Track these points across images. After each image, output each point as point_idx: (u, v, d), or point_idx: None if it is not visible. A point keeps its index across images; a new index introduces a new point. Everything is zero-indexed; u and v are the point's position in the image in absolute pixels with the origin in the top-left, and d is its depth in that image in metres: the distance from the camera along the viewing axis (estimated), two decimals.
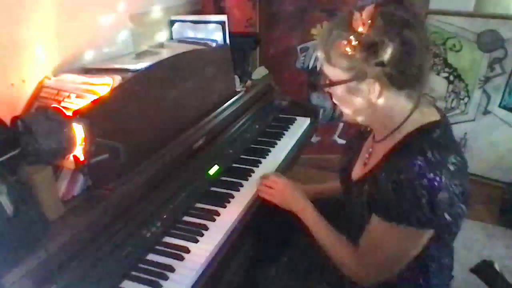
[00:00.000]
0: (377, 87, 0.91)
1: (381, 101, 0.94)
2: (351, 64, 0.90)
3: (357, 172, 1.11)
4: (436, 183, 0.86)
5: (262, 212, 1.29)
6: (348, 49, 0.88)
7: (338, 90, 0.97)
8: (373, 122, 1.04)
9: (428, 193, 0.86)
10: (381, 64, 0.87)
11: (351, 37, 0.87)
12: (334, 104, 1.03)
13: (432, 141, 0.92)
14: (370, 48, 0.87)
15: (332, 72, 0.95)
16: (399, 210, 0.89)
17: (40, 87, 1.23)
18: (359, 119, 1.01)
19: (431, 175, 0.86)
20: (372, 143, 1.09)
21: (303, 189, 1.28)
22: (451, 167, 0.89)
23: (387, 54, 0.86)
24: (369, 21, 0.86)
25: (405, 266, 0.99)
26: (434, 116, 0.98)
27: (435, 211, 0.87)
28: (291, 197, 1.22)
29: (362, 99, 0.95)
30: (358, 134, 1.21)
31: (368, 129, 1.15)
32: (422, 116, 0.97)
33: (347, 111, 1.01)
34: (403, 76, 0.89)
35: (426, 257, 1.01)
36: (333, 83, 0.96)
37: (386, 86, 0.91)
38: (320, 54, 0.96)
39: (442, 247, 1.03)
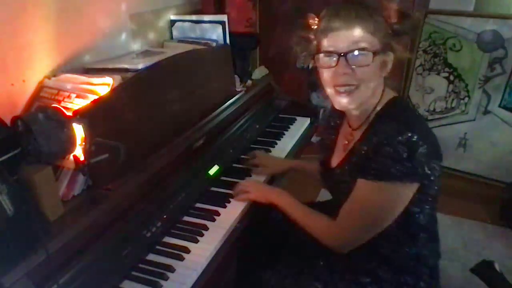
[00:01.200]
0: (391, 60, 1.00)
1: (386, 76, 1.03)
2: (387, 34, 0.98)
3: (336, 160, 1.17)
4: (414, 139, 0.92)
5: (262, 212, 1.29)
6: (388, 18, 0.97)
7: (375, 63, 0.97)
8: (366, 103, 1.05)
9: (408, 148, 0.92)
10: (408, 31, 0.99)
11: (388, 7, 0.97)
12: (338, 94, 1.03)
13: (400, 109, 1.05)
14: (402, 18, 0.97)
15: (372, 42, 0.96)
16: (381, 167, 0.95)
17: (40, 87, 1.23)
18: (370, 99, 1.04)
19: (408, 133, 0.93)
20: (350, 131, 1.13)
21: (279, 161, 1.48)
22: (422, 126, 0.99)
23: (411, 22, 0.99)
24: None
25: (392, 235, 1.03)
26: (393, 94, 1.08)
27: (414, 164, 0.93)
28: (265, 188, 1.30)
29: (382, 73, 1.01)
30: (329, 129, 1.27)
31: (338, 121, 1.22)
32: (387, 94, 1.06)
33: (369, 88, 1.01)
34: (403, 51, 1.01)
35: (415, 226, 1.05)
36: (377, 52, 0.97)
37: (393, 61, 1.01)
38: (358, 21, 0.96)
39: (427, 214, 1.06)
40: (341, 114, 1.19)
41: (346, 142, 1.14)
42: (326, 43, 1.00)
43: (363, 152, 1.00)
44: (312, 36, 1.07)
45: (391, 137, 0.93)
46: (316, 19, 1.06)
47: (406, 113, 1.04)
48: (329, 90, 1.04)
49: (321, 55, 1.01)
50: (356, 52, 0.96)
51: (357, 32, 0.95)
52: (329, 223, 1.09)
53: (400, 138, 0.92)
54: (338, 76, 0.99)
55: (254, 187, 1.29)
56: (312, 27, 1.07)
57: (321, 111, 2.66)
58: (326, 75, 1.02)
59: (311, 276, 1.11)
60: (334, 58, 0.98)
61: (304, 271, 1.14)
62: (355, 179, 1.01)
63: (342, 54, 0.96)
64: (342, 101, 1.02)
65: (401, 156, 0.92)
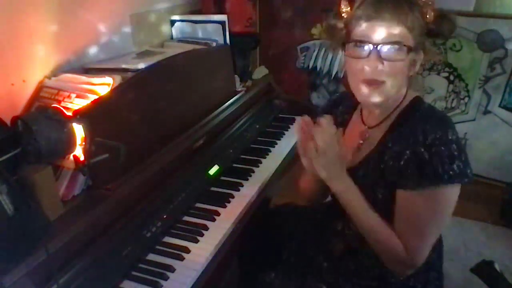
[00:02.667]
0: (420, 60, 0.97)
1: (412, 74, 0.99)
2: (422, 31, 0.94)
3: (349, 158, 1.06)
4: (457, 136, 0.92)
5: (262, 212, 1.29)
6: (428, 14, 0.94)
7: (407, 59, 0.93)
8: (389, 100, 0.99)
9: (457, 145, 0.90)
10: (444, 33, 0.96)
11: (426, 6, 0.93)
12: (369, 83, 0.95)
13: (429, 108, 1.01)
14: (440, 18, 0.95)
15: (407, 37, 0.92)
16: (437, 170, 0.90)
17: (40, 87, 1.23)
18: (395, 96, 1.00)
19: (451, 131, 0.91)
20: (365, 129, 1.08)
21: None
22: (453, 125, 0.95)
23: (449, 24, 0.96)
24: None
25: None
26: (415, 93, 1.05)
27: (465, 162, 0.91)
28: (339, 173, 0.99)
29: (410, 71, 0.97)
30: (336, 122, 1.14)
31: (346, 117, 1.16)
32: (410, 93, 1.03)
33: (396, 85, 0.95)
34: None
35: None
36: (411, 48, 0.93)
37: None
38: (395, 15, 0.90)
39: None
40: (350, 110, 1.15)
41: (361, 141, 1.08)
42: (359, 32, 0.94)
43: (408, 158, 0.93)
44: (340, 25, 1.02)
45: (442, 136, 0.90)
46: (349, 6, 0.99)
47: (438, 113, 1.00)
48: (354, 82, 0.98)
49: (352, 44, 0.95)
50: (391, 46, 0.91)
51: (395, 24, 0.90)
52: (402, 249, 0.96)
53: (449, 136, 0.90)
54: (367, 68, 0.93)
55: (327, 162, 0.97)
56: (343, 15, 1.01)
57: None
58: (354, 66, 0.96)
59: (316, 278, 1.11)
60: (366, 49, 0.92)
61: (309, 272, 1.14)
62: (394, 186, 0.96)
63: (375, 46, 0.91)
64: (366, 95, 0.96)
65: (454, 156, 0.90)
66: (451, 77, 2.44)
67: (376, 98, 0.96)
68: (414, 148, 0.92)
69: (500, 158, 2.39)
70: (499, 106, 2.35)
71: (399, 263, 0.99)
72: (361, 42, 0.93)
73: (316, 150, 0.96)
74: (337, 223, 1.15)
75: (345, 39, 0.98)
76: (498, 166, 2.40)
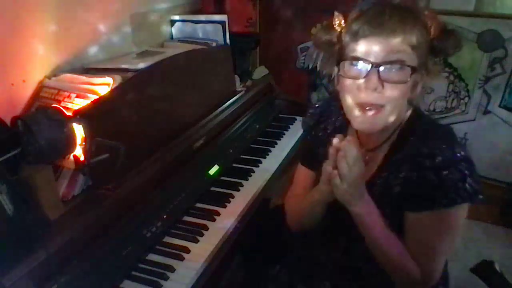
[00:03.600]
0: (422, 81, 0.87)
1: (412, 97, 0.89)
2: (425, 51, 0.84)
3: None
4: (465, 153, 0.85)
5: (262, 212, 1.29)
6: (432, 32, 0.84)
7: (410, 80, 0.83)
8: (390, 124, 0.90)
9: (466, 163, 0.84)
10: (449, 51, 0.86)
11: (433, 22, 0.83)
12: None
13: (429, 122, 0.95)
14: (445, 34, 0.85)
15: (411, 57, 0.82)
16: (448, 193, 0.84)
17: (40, 87, 1.23)
18: (395, 121, 0.89)
19: (460, 149, 0.85)
20: (364, 152, 0.96)
21: None
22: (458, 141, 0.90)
23: (455, 42, 0.86)
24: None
25: None
26: (410, 107, 0.95)
27: (476, 181, 0.85)
28: (362, 194, 0.90)
29: (411, 95, 0.87)
30: (316, 140, 1.09)
31: (329, 131, 1.07)
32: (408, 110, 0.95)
33: (397, 109, 0.86)
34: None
35: None
36: (415, 69, 0.83)
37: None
38: (402, 33, 0.80)
39: None
40: (344, 130, 1.03)
41: None
42: (355, 50, 0.83)
43: (413, 179, 0.87)
44: (334, 39, 0.91)
45: (450, 157, 0.83)
46: (343, 19, 0.89)
47: (439, 127, 0.94)
48: (348, 105, 0.88)
49: (347, 62, 0.85)
50: (393, 66, 0.81)
51: (398, 41, 0.80)
52: (416, 268, 0.91)
53: (458, 156, 0.84)
54: (364, 91, 0.83)
55: (349, 185, 0.86)
56: (336, 28, 0.91)
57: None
58: (349, 86, 0.85)
59: (320, 275, 1.10)
60: (364, 69, 0.82)
61: (313, 269, 1.13)
62: (401, 211, 0.91)
63: (374, 66, 0.81)
64: (361, 121, 0.87)
65: (466, 175, 0.84)
66: (451, 77, 2.44)
67: (373, 125, 0.87)
68: (423, 172, 0.85)
69: (500, 158, 2.39)
70: (499, 106, 2.34)
71: (412, 284, 0.95)
72: (358, 60, 0.83)
73: (340, 177, 0.86)
74: (339, 238, 1.07)
75: (339, 55, 0.88)
76: (498, 166, 2.40)
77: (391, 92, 0.82)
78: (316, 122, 1.12)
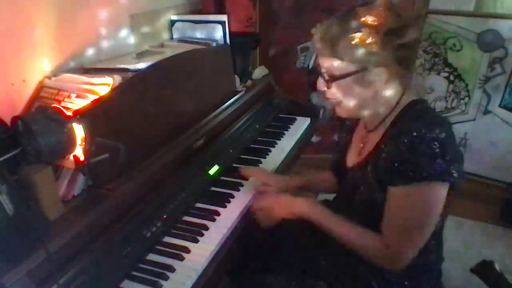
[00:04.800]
0: (384, 74, 0.97)
1: (384, 88, 1.00)
2: (361, 54, 0.94)
3: (352, 160, 1.15)
4: (443, 136, 0.92)
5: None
6: (360, 39, 0.93)
7: (345, 83, 0.99)
8: (371, 112, 1.05)
9: (440, 144, 0.91)
10: (402, 46, 0.94)
11: (363, 29, 0.93)
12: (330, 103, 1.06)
13: (421, 109, 1.02)
14: (389, 34, 0.93)
15: (339, 66, 0.98)
16: (417, 167, 0.92)
17: (40, 87, 1.23)
18: (360, 111, 1.05)
19: (437, 130, 0.92)
20: (365, 133, 1.12)
21: (287, 179, 1.35)
22: (447, 126, 0.97)
23: (407, 37, 0.94)
24: (385, 13, 0.94)
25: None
26: (413, 96, 1.06)
27: (447, 162, 0.92)
28: (290, 202, 1.15)
29: (367, 89, 0.99)
30: (346, 128, 1.25)
31: (353, 121, 1.21)
32: (407, 98, 1.05)
33: (350, 105, 1.03)
34: (407, 60, 0.98)
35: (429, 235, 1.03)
36: (342, 76, 0.98)
37: (392, 73, 0.97)
38: (322, 50, 0.99)
39: (440, 220, 1.05)
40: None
41: (362, 144, 1.12)
42: None
43: (392, 153, 0.96)
44: None
45: (423, 134, 0.92)
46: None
47: (429, 113, 1.03)
48: None
49: None
50: (323, 76, 1.02)
51: (321, 58, 1.01)
52: (380, 243, 1.01)
53: (431, 134, 0.92)
54: None
55: (278, 204, 1.15)
56: None
57: (321, 111, 2.66)
58: None
59: (315, 276, 1.11)
60: None
61: (308, 271, 1.14)
62: (384, 186, 0.98)
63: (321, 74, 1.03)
64: (336, 110, 1.08)
65: (435, 154, 0.91)
66: (451, 77, 2.44)
67: (342, 114, 1.07)
68: (399, 146, 0.95)
69: (500, 158, 2.39)
70: (499, 106, 2.34)
71: (381, 258, 1.02)
72: None
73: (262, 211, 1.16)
74: (332, 238, 1.12)
75: None
76: (498, 166, 2.40)
77: (332, 92, 1.03)
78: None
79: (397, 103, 1.03)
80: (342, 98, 1.03)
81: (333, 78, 1.00)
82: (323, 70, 1.02)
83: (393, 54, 0.95)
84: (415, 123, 0.95)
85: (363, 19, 0.94)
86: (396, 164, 0.95)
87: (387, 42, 0.93)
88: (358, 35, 0.93)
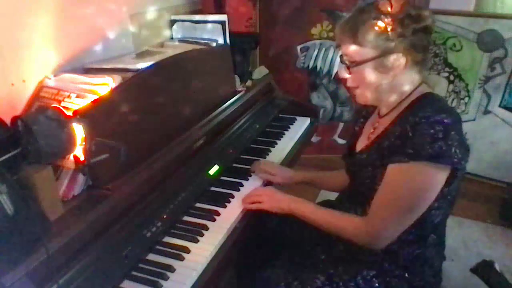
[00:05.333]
0: (402, 60, 1.02)
1: (401, 74, 1.04)
2: (381, 40, 1.00)
3: (361, 145, 1.18)
4: (448, 121, 0.95)
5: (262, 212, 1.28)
6: (379, 26, 0.99)
7: (365, 69, 1.04)
8: (387, 98, 1.09)
9: (444, 128, 0.94)
10: (419, 30, 1.00)
11: (382, 17, 0.99)
12: (348, 89, 1.11)
13: (433, 99, 1.05)
14: (407, 19, 0.99)
15: (360, 52, 1.03)
16: (416, 146, 0.95)
17: (40, 87, 1.23)
18: (378, 97, 1.09)
19: (443, 114, 0.96)
20: (377, 119, 1.16)
21: (293, 172, 1.42)
22: (455, 115, 1.00)
23: (424, 22, 1.00)
24: (403, 1, 1.00)
25: (405, 232, 1.03)
26: (428, 89, 1.09)
27: (449, 145, 0.94)
28: (279, 197, 1.22)
29: (386, 74, 1.04)
30: (362, 115, 1.27)
31: (370, 110, 1.23)
32: (422, 89, 1.07)
33: (368, 90, 1.08)
34: (424, 46, 1.03)
35: (429, 226, 1.06)
36: (363, 61, 1.03)
37: (409, 59, 1.02)
38: (344, 38, 1.05)
39: (443, 214, 1.07)
40: (374, 106, 1.22)
41: (372, 129, 1.16)
42: None
43: (397, 134, 1.01)
44: None
45: (427, 116, 0.95)
46: None
47: (440, 103, 1.06)
48: None
49: None
50: (343, 62, 1.08)
51: (343, 45, 1.06)
52: (361, 220, 1.07)
53: (436, 117, 0.95)
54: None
55: (267, 196, 1.23)
56: None
57: (321, 111, 2.66)
58: None
59: (314, 270, 1.12)
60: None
61: (306, 266, 1.14)
62: (385, 164, 1.01)
63: (342, 62, 1.09)
64: (354, 96, 1.13)
65: (437, 135, 0.93)
66: (451, 77, 2.44)
67: (360, 100, 1.12)
68: (404, 125, 0.99)
69: (500, 158, 2.39)
70: (499, 106, 2.35)
71: (360, 236, 1.05)
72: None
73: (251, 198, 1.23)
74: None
75: None
76: (498, 166, 2.40)
77: (353, 79, 1.09)
78: (359, 108, 1.33)
79: (412, 92, 1.07)
80: (362, 84, 1.07)
81: (355, 64, 1.05)
82: (344, 58, 1.07)
83: (411, 40, 1.00)
84: (424, 108, 0.99)
85: (382, 8, 1.00)
86: (398, 142, 0.99)
87: (405, 27, 0.99)
88: (377, 22, 1.00)
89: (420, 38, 1.01)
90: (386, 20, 0.99)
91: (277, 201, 1.20)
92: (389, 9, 1.00)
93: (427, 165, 0.95)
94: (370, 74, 1.05)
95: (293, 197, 1.21)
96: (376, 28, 1.00)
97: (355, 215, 1.11)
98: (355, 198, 1.16)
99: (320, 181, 1.45)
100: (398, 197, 1.00)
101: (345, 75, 1.10)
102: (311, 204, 1.18)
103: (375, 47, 1.01)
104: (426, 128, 0.94)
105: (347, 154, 1.24)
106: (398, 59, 1.02)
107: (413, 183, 0.99)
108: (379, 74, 1.04)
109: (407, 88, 1.07)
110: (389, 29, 0.99)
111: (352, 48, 1.04)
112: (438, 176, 0.98)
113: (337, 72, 2.57)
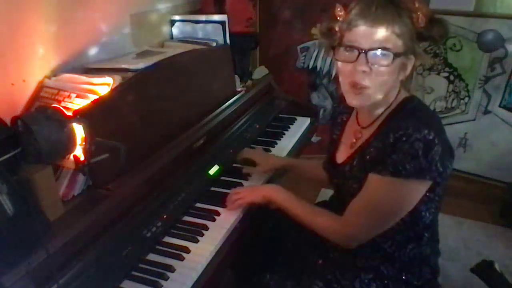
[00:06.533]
0: (412, 63, 0.99)
1: (403, 78, 1.01)
2: (409, 36, 0.95)
3: (342, 156, 1.16)
4: (430, 137, 0.92)
5: (262, 212, 1.28)
6: (416, 22, 0.96)
7: (394, 64, 0.95)
8: (381, 101, 1.03)
9: (424, 145, 0.92)
10: (436, 36, 0.97)
11: (414, 15, 0.95)
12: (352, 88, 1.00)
13: (414, 106, 1.03)
14: (432, 23, 0.97)
15: (396, 43, 0.94)
16: (396, 164, 0.94)
17: (40, 87, 1.23)
18: (381, 98, 1.01)
19: (425, 131, 0.92)
20: (359, 129, 1.12)
21: (274, 158, 1.48)
22: (437, 125, 0.99)
23: (440, 30, 0.98)
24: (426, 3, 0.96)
25: (398, 233, 1.04)
26: (406, 94, 1.07)
27: (429, 161, 0.93)
28: (257, 187, 1.28)
29: (399, 76, 1.00)
30: (336, 125, 1.26)
31: (344, 118, 1.21)
32: (400, 95, 1.05)
33: (381, 91, 0.99)
34: (434, 55, 1.02)
35: (421, 225, 1.05)
36: (398, 54, 0.95)
37: (415, 65, 1.00)
38: (386, 24, 0.93)
39: (433, 213, 1.06)
40: (349, 111, 1.20)
41: (354, 140, 1.13)
42: (349, 37, 0.97)
43: (379, 148, 0.99)
44: (336, 28, 1.04)
45: (408, 134, 0.93)
46: (343, 10, 1.02)
47: (421, 111, 1.04)
48: (343, 84, 1.02)
49: (342, 48, 0.99)
50: (378, 51, 0.94)
51: (382, 31, 0.93)
52: (335, 218, 1.07)
53: (417, 135, 0.92)
54: (355, 72, 0.97)
55: (247, 191, 1.24)
56: (338, 18, 1.03)
57: (321, 111, 2.66)
58: (343, 68, 1.00)
59: (312, 276, 1.11)
60: (355, 53, 0.95)
61: (304, 271, 1.14)
62: (368, 171, 1.00)
63: (363, 51, 0.94)
64: (352, 97, 1.01)
65: (417, 153, 0.92)
66: (451, 77, 2.44)
67: (363, 103, 1.01)
68: (384, 142, 0.97)
69: (500, 158, 2.39)
70: (499, 106, 2.35)
71: (335, 235, 1.07)
72: (350, 47, 0.97)
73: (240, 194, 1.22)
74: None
75: (337, 42, 1.02)
76: (498, 166, 2.40)
77: (376, 73, 0.96)
78: (336, 114, 1.29)
79: (396, 96, 1.05)
80: (376, 81, 0.97)
81: (395, 55, 0.95)
82: (376, 46, 0.94)
83: (421, 47, 0.98)
84: (406, 121, 0.96)
85: (418, 5, 0.96)
86: (378, 158, 0.98)
87: (430, 30, 0.96)
88: (416, 14, 0.96)
89: (434, 43, 1.00)
90: (421, 15, 0.95)
91: (258, 191, 1.22)
92: (422, 8, 0.95)
93: (406, 181, 0.95)
94: (393, 72, 0.97)
95: (272, 185, 1.26)
96: (416, 22, 0.95)
97: (329, 212, 1.10)
98: (343, 202, 1.14)
99: (301, 168, 1.47)
100: (375, 206, 1.00)
101: (366, 68, 0.95)
102: (288, 193, 1.18)
103: (406, 41, 0.95)
104: (406, 147, 0.92)
105: (329, 165, 1.22)
106: (411, 63, 0.98)
107: (391, 195, 0.99)
108: (394, 74, 0.97)
109: (393, 94, 1.04)
110: (422, 24, 0.95)
111: (391, 36, 0.94)
112: (416, 190, 0.98)
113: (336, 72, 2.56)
